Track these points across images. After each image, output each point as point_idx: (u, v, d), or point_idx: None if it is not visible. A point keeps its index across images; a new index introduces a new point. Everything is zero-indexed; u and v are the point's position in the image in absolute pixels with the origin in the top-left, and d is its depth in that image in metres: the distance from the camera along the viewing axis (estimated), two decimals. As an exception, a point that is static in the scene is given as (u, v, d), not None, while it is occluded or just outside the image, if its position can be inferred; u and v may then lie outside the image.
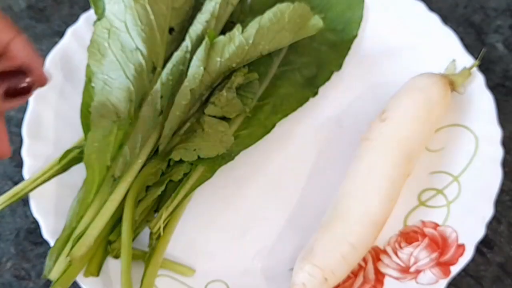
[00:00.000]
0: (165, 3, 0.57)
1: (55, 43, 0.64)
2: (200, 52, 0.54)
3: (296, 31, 0.57)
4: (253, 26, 0.55)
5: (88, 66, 0.56)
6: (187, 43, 0.56)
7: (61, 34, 0.65)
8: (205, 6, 0.57)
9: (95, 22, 0.57)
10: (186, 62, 0.56)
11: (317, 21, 0.58)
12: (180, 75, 0.56)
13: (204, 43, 0.54)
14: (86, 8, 0.69)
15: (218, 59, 0.55)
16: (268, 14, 0.56)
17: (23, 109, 0.61)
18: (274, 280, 0.55)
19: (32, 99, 0.59)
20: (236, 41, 0.55)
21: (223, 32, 0.57)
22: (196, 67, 0.54)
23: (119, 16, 0.56)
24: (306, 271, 0.49)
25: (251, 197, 0.59)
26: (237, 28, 0.55)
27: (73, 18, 0.68)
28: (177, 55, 0.56)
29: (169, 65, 0.56)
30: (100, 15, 0.57)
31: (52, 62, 0.61)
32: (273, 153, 0.60)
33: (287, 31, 0.56)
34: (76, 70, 0.61)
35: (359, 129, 0.57)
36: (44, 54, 0.68)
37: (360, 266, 0.53)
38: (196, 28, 0.57)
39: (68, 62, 0.62)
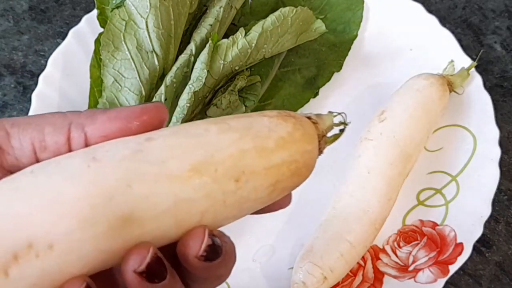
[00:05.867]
0: (186, 8, 0.56)
1: (57, 44, 0.64)
2: (204, 55, 0.54)
3: (298, 35, 0.56)
4: (256, 29, 0.55)
5: (92, 66, 0.55)
6: (191, 47, 0.56)
7: (63, 35, 0.65)
8: (209, 10, 0.57)
9: (112, 9, 0.54)
10: (190, 65, 0.55)
11: (319, 25, 0.57)
12: (184, 77, 0.55)
13: (208, 46, 0.54)
14: (88, 9, 0.69)
15: (221, 61, 0.54)
16: (271, 18, 0.56)
17: (26, 110, 0.62)
18: (274, 279, 0.55)
19: (34, 100, 0.59)
20: (239, 44, 0.55)
21: (226, 35, 0.57)
22: (199, 69, 0.54)
23: (141, 11, 0.53)
24: (306, 270, 0.50)
25: (251, 196, 0.59)
26: (241, 32, 0.55)
27: (75, 19, 0.68)
28: (181, 58, 0.55)
29: (173, 68, 0.55)
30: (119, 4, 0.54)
31: (54, 63, 0.61)
32: (273, 153, 0.60)
33: (290, 34, 0.56)
34: (78, 71, 0.61)
35: (359, 129, 0.57)
36: (46, 55, 0.68)
37: (359, 265, 0.53)
38: (200, 31, 0.56)
39: (70, 63, 0.61)
